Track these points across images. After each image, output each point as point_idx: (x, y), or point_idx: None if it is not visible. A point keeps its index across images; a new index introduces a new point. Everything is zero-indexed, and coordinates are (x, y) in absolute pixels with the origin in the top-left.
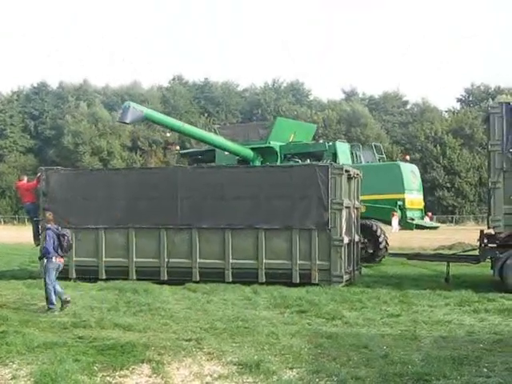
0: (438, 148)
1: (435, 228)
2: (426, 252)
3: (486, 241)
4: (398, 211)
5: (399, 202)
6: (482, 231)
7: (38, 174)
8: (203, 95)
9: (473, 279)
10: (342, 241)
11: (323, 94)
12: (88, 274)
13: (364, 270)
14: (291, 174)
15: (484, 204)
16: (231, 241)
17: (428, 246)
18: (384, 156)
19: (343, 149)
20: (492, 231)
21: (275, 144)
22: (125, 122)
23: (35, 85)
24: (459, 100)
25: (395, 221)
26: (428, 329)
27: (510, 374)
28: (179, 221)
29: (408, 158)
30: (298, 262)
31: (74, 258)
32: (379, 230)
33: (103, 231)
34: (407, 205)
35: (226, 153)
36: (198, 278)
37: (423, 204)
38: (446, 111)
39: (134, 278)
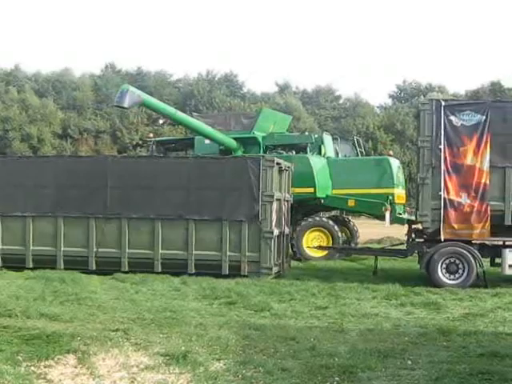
0: (370, 143)
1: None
2: (354, 245)
3: (413, 235)
4: (389, 206)
5: (390, 197)
6: (409, 226)
7: None
8: (136, 84)
9: (400, 273)
10: (272, 233)
11: (257, 87)
12: (15, 263)
13: (293, 263)
14: (223, 165)
15: (413, 199)
16: (161, 231)
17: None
18: (363, 150)
19: (329, 141)
20: (420, 226)
21: (258, 134)
22: (123, 107)
23: None
24: (391, 96)
25: (388, 216)
26: (355, 321)
27: (433, 367)
28: (109, 210)
29: (391, 153)
30: (228, 253)
31: (1, 246)
32: (355, 226)
33: (31, 219)
34: (396, 200)
35: (207, 141)
36: (126, 268)
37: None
38: (378, 107)
39: (62, 267)
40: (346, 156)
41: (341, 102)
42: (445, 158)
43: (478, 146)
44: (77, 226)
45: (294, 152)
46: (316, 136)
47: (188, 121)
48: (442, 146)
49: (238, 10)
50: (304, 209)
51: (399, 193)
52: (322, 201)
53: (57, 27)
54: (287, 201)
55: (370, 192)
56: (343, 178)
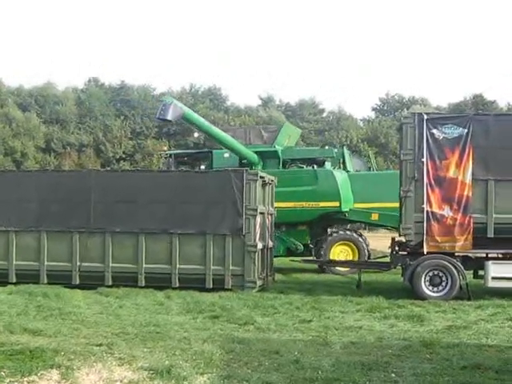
0: None
1: None
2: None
3: (397, 248)
4: None
5: None
6: (393, 239)
7: None
8: (119, 98)
9: (384, 286)
10: (255, 246)
11: (240, 100)
12: None
13: (277, 276)
14: (206, 179)
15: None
16: (145, 245)
17: None
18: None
19: (348, 156)
20: (403, 239)
21: (278, 148)
22: (166, 119)
23: None
24: (374, 109)
25: None
26: (339, 334)
27: (417, 379)
28: (92, 224)
29: None
30: (212, 267)
31: None
32: (367, 240)
33: (14, 234)
34: None
35: (226, 155)
36: (110, 283)
37: None
38: (361, 120)
39: (45, 281)
40: (357, 171)
41: (324, 115)
42: (427, 171)
43: (461, 158)
44: (60, 240)
45: (315, 166)
46: (336, 150)
47: (220, 135)
48: (424, 159)
49: (220, 25)
50: (324, 222)
51: None
52: (346, 214)
53: (40, 41)
54: (271, 214)
55: (392, 206)
56: (365, 192)
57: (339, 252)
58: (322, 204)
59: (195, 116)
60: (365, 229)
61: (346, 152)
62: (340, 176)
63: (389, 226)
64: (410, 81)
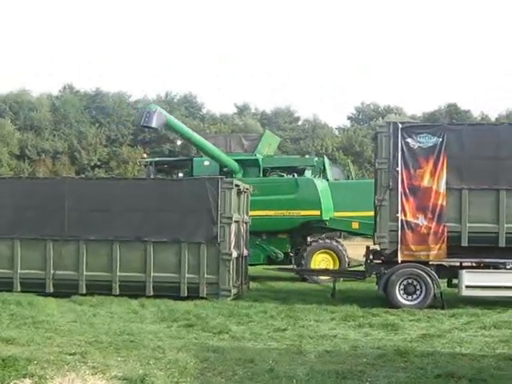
0: None
1: None
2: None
3: (371, 257)
4: None
5: None
6: (368, 247)
7: None
8: (94, 105)
9: (358, 294)
10: (230, 255)
11: (216, 108)
12: None
13: (252, 285)
14: (181, 187)
15: None
16: (119, 253)
17: None
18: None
19: (328, 165)
20: (378, 247)
21: (259, 157)
22: (150, 127)
23: None
24: (350, 118)
25: None
26: (313, 343)
27: None
28: (66, 232)
29: None
30: (187, 275)
31: None
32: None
33: None
34: None
35: (206, 163)
36: (84, 291)
37: None
38: (337, 128)
39: (19, 289)
40: (336, 179)
41: (300, 123)
42: (402, 180)
43: (435, 168)
44: (34, 248)
45: (296, 175)
46: (316, 159)
47: (201, 142)
48: (399, 168)
49: (195, 33)
50: (304, 231)
51: None
52: (327, 223)
53: (14, 47)
54: (246, 222)
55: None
56: (345, 201)
57: (320, 260)
58: (302, 212)
59: (178, 123)
60: (340, 237)
61: (327, 161)
62: (321, 184)
63: (369, 234)
64: (385, 90)
